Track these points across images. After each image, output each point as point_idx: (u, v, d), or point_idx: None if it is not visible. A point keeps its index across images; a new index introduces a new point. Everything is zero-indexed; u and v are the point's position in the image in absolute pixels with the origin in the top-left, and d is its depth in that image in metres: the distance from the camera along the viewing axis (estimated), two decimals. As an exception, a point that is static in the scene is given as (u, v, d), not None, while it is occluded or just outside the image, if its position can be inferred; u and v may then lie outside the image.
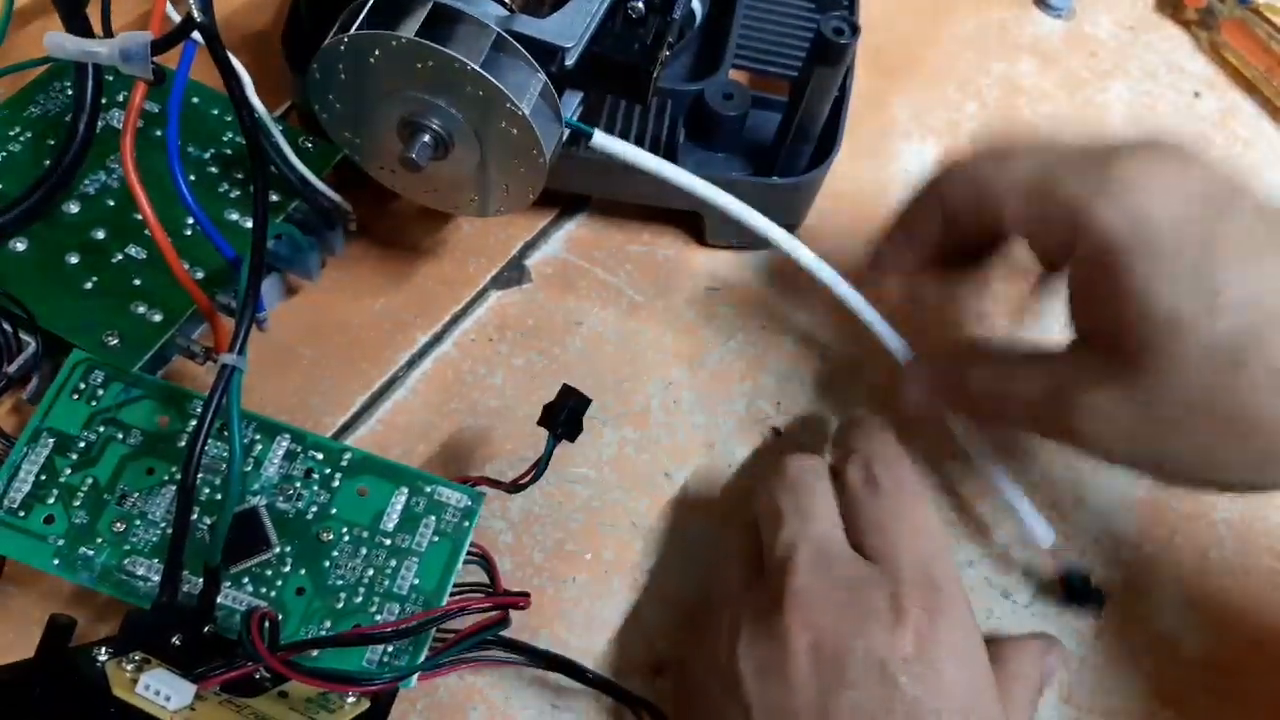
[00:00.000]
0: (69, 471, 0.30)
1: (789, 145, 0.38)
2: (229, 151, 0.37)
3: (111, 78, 0.37)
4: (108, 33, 0.35)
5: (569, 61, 0.31)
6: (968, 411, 0.33)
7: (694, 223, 0.40)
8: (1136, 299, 0.25)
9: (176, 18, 0.34)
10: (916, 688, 0.26)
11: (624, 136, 0.38)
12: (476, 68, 0.29)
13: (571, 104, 0.33)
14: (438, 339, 0.38)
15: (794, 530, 0.29)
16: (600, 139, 0.33)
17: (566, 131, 0.33)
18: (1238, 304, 0.25)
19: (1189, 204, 0.25)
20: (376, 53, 0.30)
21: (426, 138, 0.31)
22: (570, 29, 0.31)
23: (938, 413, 0.34)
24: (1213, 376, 0.25)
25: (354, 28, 0.30)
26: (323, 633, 0.29)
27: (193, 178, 0.36)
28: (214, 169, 0.37)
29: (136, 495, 0.30)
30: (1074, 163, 0.27)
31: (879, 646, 0.26)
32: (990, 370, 0.31)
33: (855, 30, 0.33)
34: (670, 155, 0.39)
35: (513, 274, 0.40)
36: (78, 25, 0.34)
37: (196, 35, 0.29)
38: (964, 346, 0.37)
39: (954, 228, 0.31)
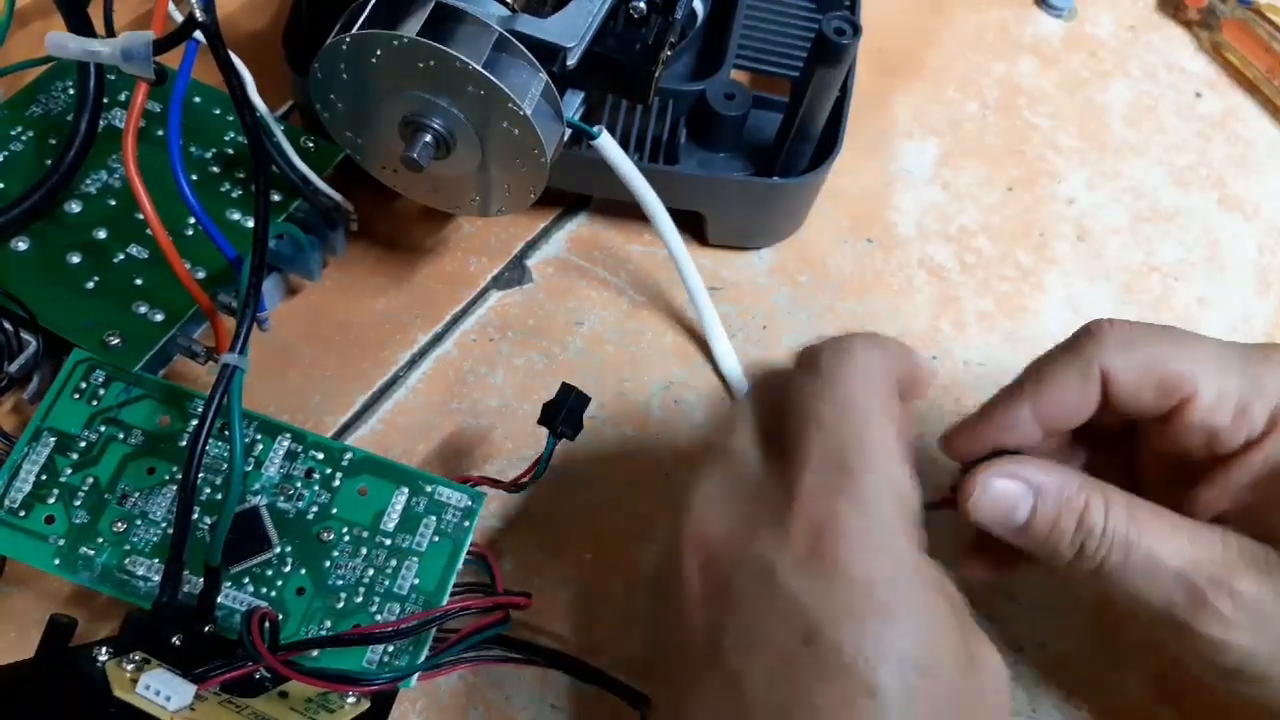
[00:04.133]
0: (70, 471, 0.30)
1: (790, 145, 0.38)
2: (230, 151, 0.37)
3: (114, 77, 0.37)
4: (110, 32, 0.35)
5: (571, 61, 0.31)
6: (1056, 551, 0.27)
7: (694, 223, 0.41)
8: None
9: (178, 17, 0.34)
10: (811, 594, 0.22)
11: (625, 137, 0.38)
12: (478, 68, 0.29)
13: (573, 104, 0.33)
14: (438, 339, 0.38)
15: (713, 447, 0.26)
16: (604, 142, 0.33)
17: (568, 131, 0.33)
18: None
19: None
20: (378, 52, 0.30)
21: (428, 137, 0.31)
22: (572, 29, 0.31)
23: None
24: None
25: (356, 27, 0.30)
26: (323, 633, 0.29)
27: (194, 177, 0.36)
28: (215, 168, 0.37)
29: (137, 495, 0.30)
30: (1270, 358, 0.27)
31: (768, 551, 0.23)
32: (1125, 514, 0.26)
33: (856, 30, 0.33)
34: (671, 155, 0.39)
35: (513, 274, 0.40)
36: (79, 25, 0.34)
37: (198, 35, 0.29)
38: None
39: (1111, 411, 0.28)
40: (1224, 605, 0.25)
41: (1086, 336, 0.28)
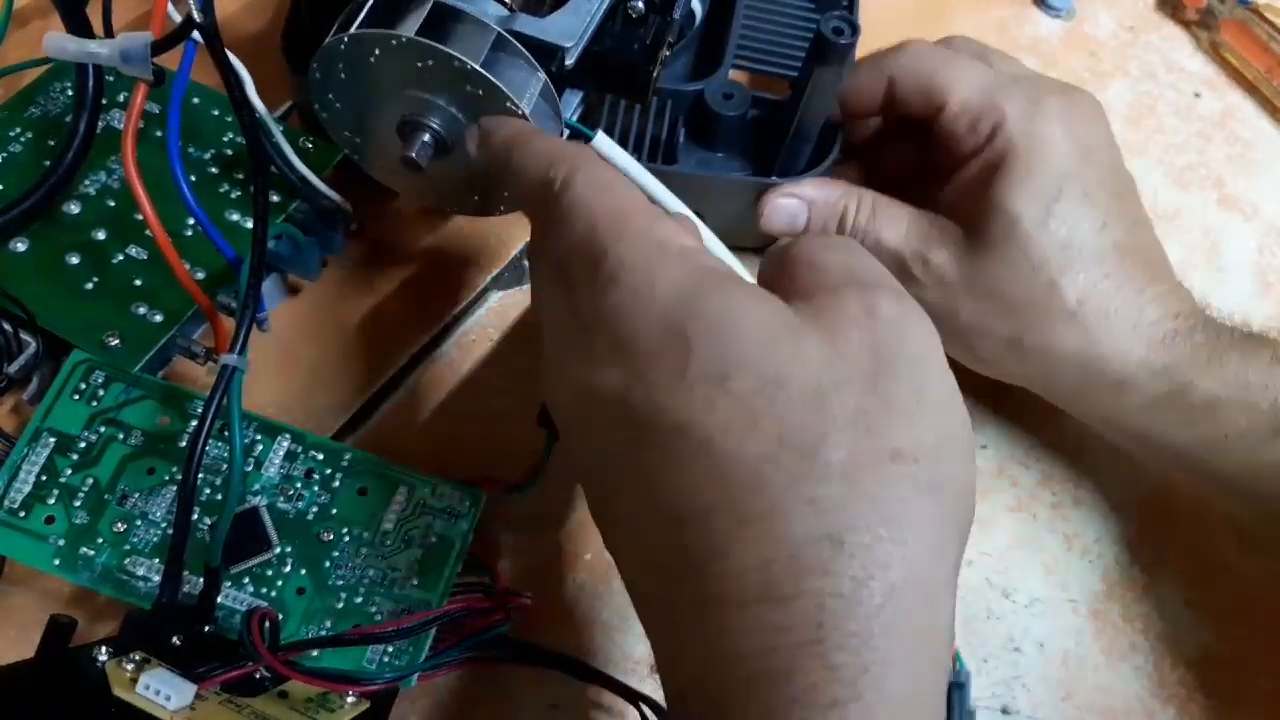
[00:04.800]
0: (69, 472, 0.30)
1: (789, 145, 0.38)
2: (229, 152, 0.37)
3: (112, 78, 0.37)
4: (109, 33, 0.35)
5: (569, 61, 0.31)
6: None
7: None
8: (1007, 196, 0.32)
9: (178, 18, 0.34)
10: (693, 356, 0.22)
11: (624, 136, 0.38)
12: (476, 67, 0.29)
13: (571, 103, 0.33)
14: (438, 339, 0.38)
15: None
16: (602, 143, 0.33)
17: (566, 131, 0.33)
18: (1057, 232, 0.32)
19: (1074, 150, 0.33)
20: (376, 52, 0.30)
21: (426, 137, 0.31)
22: (570, 29, 0.31)
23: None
24: (1021, 270, 0.32)
25: (354, 27, 0.30)
26: (323, 633, 0.29)
27: (193, 178, 0.36)
28: (214, 169, 0.37)
29: (137, 495, 0.30)
30: (1018, 83, 0.34)
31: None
32: (870, 211, 0.35)
33: (855, 30, 0.33)
34: (670, 155, 0.39)
35: (513, 274, 0.40)
36: (78, 25, 0.34)
37: (196, 35, 0.29)
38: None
39: (893, 104, 0.36)
40: (917, 269, 0.34)
41: (892, 49, 0.36)
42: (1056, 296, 0.32)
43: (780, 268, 0.26)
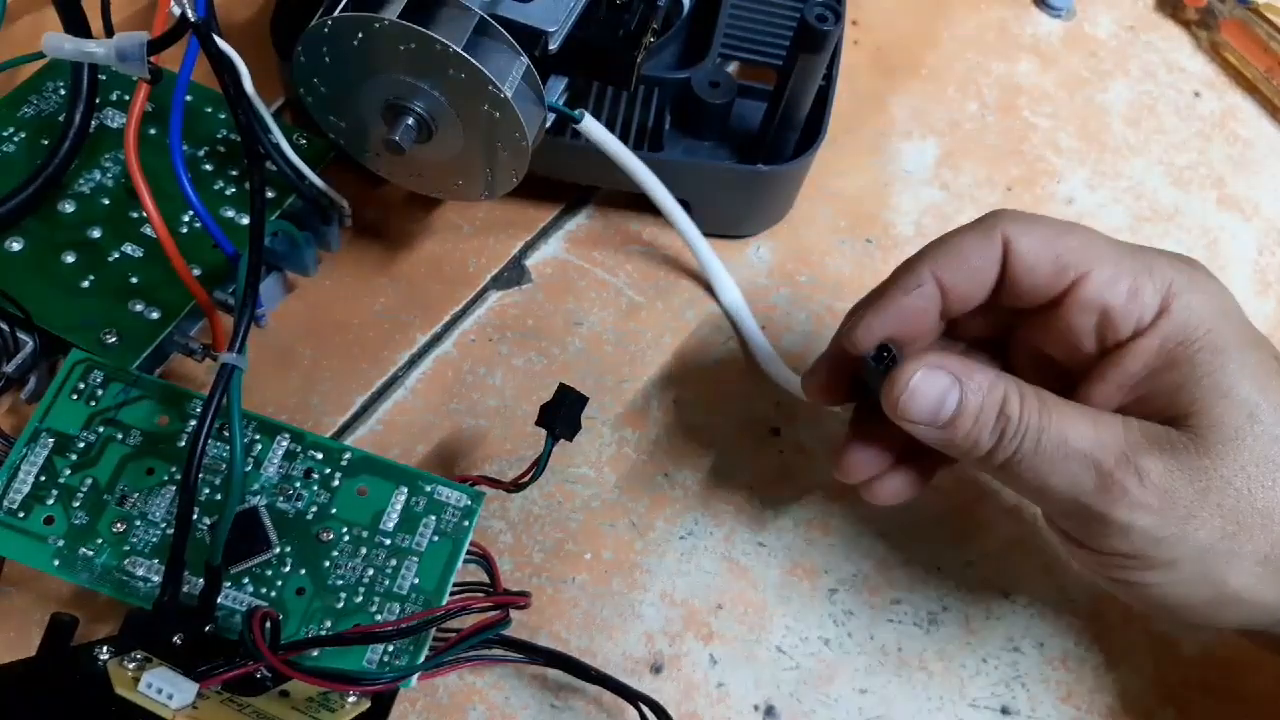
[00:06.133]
0: (68, 472, 0.30)
1: (775, 132, 0.38)
2: (223, 149, 0.37)
3: (104, 77, 0.37)
4: (108, 29, 0.35)
5: (553, 46, 0.31)
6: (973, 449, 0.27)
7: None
8: (1233, 381, 0.26)
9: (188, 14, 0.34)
10: None
11: (610, 124, 0.38)
12: (458, 50, 0.29)
13: (556, 89, 0.33)
14: (438, 339, 0.38)
15: None
16: (589, 124, 0.33)
17: (551, 116, 0.33)
18: None
19: (1244, 321, 0.28)
20: (360, 35, 0.30)
21: (410, 121, 0.31)
22: (554, 13, 0.31)
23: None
24: (1267, 467, 0.26)
25: (338, 10, 0.30)
26: (323, 633, 0.29)
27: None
28: (208, 166, 0.37)
29: (136, 495, 0.30)
30: (1161, 253, 0.28)
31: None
32: (1037, 403, 0.27)
33: (838, 16, 0.33)
34: (657, 143, 0.39)
35: (513, 274, 0.40)
36: (75, 23, 0.34)
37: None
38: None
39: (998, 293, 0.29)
40: (1131, 484, 0.26)
41: (991, 215, 0.29)
42: None
43: None
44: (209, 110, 0.38)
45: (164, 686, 0.24)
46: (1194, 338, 0.27)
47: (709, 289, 0.40)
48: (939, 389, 0.27)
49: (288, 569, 0.29)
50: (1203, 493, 0.26)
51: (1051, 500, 0.27)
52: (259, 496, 0.30)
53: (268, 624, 0.26)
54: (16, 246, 0.34)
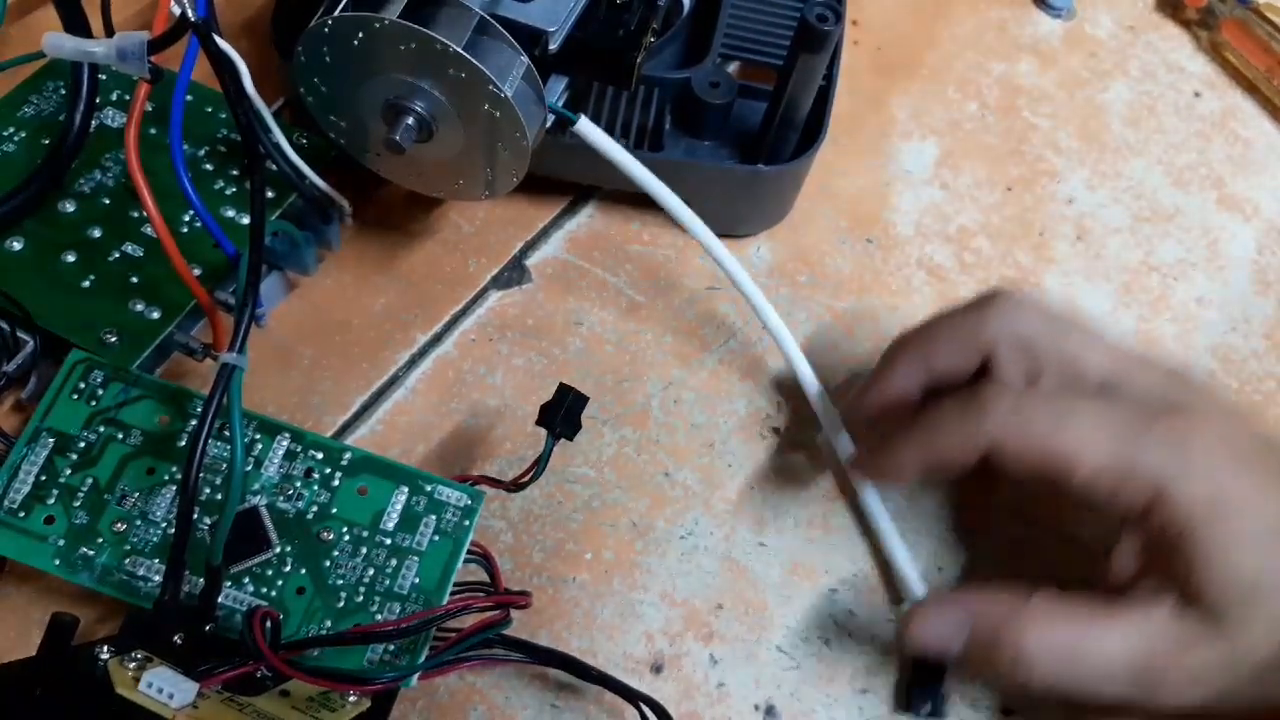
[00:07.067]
0: (69, 472, 0.30)
1: (775, 132, 0.38)
2: (223, 149, 0.37)
3: (104, 77, 0.37)
4: (108, 28, 0.35)
5: (553, 46, 0.31)
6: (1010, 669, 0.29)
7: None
8: (1218, 566, 0.27)
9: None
10: None
11: (610, 124, 0.38)
12: (459, 49, 0.29)
13: (556, 89, 0.33)
14: (438, 339, 0.38)
15: None
16: (585, 127, 0.33)
17: (551, 116, 0.33)
18: None
19: (1254, 482, 0.28)
20: (360, 35, 0.30)
21: (410, 120, 0.31)
22: (554, 13, 0.31)
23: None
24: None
25: (338, 10, 0.30)
26: (323, 632, 0.29)
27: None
28: (209, 166, 0.37)
29: (137, 495, 0.30)
30: (1150, 430, 0.28)
31: None
32: (1063, 622, 0.28)
33: (839, 16, 0.33)
34: (657, 143, 0.39)
35: (513, 274, 0.40)
36: (75, 21, 0.34)
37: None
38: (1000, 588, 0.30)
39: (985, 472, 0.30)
40: (1178, 678, 0.27)
41: (977, 408, 0.29)
42: None
43: None
44: (209, 110, 0.38)
45: (164, 686, 0.24)
46: (1190, 526, 0.27)
47: (710, 288, 0.40)
48: (950, 626, 0.29)
49: (288, 569, 0.29)
50: (1236, 667, 0.27)
51: (1098, 699, 0.28)
52: (259, 496, 0.30)
53: (268, 623, 0.26)
54: (17, 246, 0.34)
